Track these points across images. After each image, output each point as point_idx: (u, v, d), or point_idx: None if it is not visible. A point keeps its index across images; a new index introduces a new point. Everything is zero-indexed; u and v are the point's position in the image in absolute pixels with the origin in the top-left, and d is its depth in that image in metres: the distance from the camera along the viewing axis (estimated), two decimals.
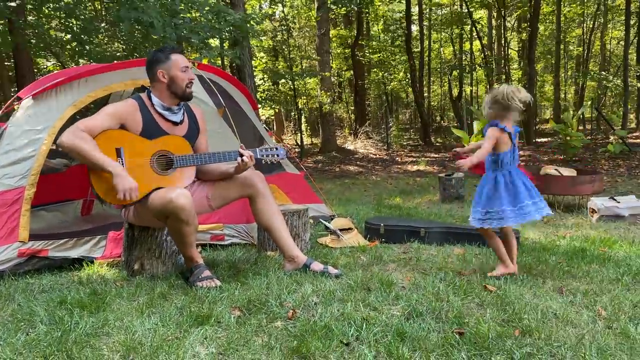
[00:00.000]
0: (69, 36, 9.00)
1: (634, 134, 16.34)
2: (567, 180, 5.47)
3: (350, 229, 4.02)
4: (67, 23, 9.26)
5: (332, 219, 4.45)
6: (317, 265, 3.04)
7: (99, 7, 11.72)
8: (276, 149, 3.12)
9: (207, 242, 3.72)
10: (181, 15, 7.46)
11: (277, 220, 3.09)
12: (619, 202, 4.95)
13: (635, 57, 17.35)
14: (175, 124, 2.95)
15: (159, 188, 2.79)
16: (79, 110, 3.59)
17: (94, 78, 3.68)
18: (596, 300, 2.51)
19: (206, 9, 7.77)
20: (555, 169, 5.78)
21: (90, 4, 10.51)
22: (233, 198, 3.11)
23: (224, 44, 13.29)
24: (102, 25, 9.95)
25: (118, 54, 10.45)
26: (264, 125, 5.14)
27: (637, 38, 17.12)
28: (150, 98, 2.92)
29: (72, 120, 3.38)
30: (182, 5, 7.42)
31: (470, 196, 6.76)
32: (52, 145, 3.41)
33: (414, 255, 3.51)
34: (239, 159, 2.93)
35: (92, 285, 2.78)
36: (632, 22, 18.19)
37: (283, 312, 2.39)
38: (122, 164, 2.75)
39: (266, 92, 15.83)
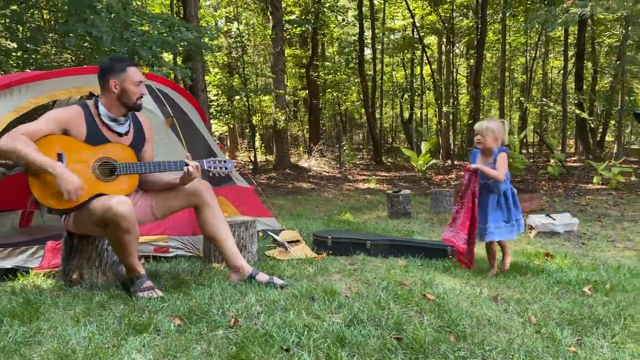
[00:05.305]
0: (14, 44, 8.69)
1: (573, 158, 17.24)
2: None
3: (298, 241, 4.05)
4: (13, 30, 8.94)
5: (277, 233, 4.46)
6: (262, 276, 3.04)
7: (47, 16, 11.39)
8: (224, 161, 3.12)
9: (150, 253, 3.65)
10: (132, 28, 7.36)
11: (222, 231, 3.07)
12: (554, 220, 5.20)
13: (573, 86, 18.40)
14: (120, 135, 2.91)
15: (100, 195, 2.73)
16: (20, 116, 3.49)
17: (35, 85, 3.59)
18: (528, 308, 2.63)
19: (159, 22, 7.70)
20: None
21: (38, 12, 10.20)
22: (178, 207, 3.08)
23: (177, 59, 13.18)
24: (50, 35, 9.68)
25: (66, 64, 10.16)
26: (215, 139, 5.13)
27: (574, 68, 18.18)
28: (97, 106, 2.87)
29: (12, 126, 3.28)
30: (134, 18, 7.32)
31: (417, 212, 6.94)
32: None
33: (359, 266, 3.57)
34: (185, 168, 2.91)
35: (26, 295, 2.68)
36: (570, 53, 19.36)
37: (225, 321, 2.38)
38: None
39: (220, 107, 15.74)
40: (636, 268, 3.63)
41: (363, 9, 16.89)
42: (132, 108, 2.88)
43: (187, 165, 2.90)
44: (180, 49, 8.42)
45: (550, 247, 4.53)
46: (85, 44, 8.95)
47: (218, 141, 5.28)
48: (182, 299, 2.68)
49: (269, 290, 2.86)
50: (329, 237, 4.06)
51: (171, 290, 2.89)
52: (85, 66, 4.82)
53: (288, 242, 3.95)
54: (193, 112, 4.79)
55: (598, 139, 21.02)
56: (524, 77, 24.63)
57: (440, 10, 18.27)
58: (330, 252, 4.00)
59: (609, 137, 23.99)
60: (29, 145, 2.58)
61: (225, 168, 3.10)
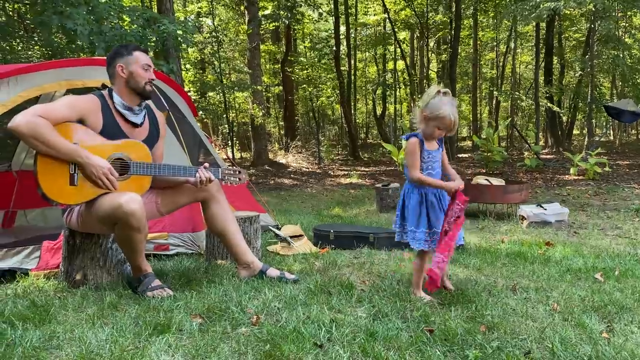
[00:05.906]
0: None
1: (544, 151, 17.63)
2: (499, 189, 5.75)
3: (300, 235, 3.97)
4: None
5: (278, 228, 4.37)
6: (273, 271, 2.97)
7: (14, 6, 10.84)
8: (238, 172, 3.04)
9: (150, 252, 3.51)
10: (110, 20, 7.10)
11: (231, 226, 2.98)
12: (545, 210, 5.27)
13: (543, 79, 18.79)
14: (135, 125, 2.77)
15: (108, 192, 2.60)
16: (8, 110, 3.29)
17: (24, 77, 3.40)
18: (548, 296, 2.63)
19: (137, 14, 7.46)
20: (486, 179, 6.07)
21: (8, 4, 9.73)
22: (184, 202, 2.97)
23: (153, 52, 12.83)
24: (17, 31, 9.27)
25: (33, 61, 9.74)
26: (205, 134, 5.00)
27: (544, 62, 18.57)
28: (111, 96, 2.73)
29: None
30: (112, 11, 7.06)
31: None
32: None
33: (366, 259, 3.53)
34: (197, 175, 2.81)
35: (31, 298, 2.53)
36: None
37: (246, 318, 2.30)
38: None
39: (197, 104, 15.46)
40: (637, 254, 3.69)
41: (337, 3, 16.82)
42: (141, 94, 2.75)
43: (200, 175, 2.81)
44: (152, 44, 8.12)
45: (545, 237, 4.57)
46: (56, 39, 8.61)
47: (206, 135, 5.14)
48: (195, 297, 2.58)
49: (282, 285, 2.79)
50: (331, 231, 4.00)
51: (181, 288, 2.78)
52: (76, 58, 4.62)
53: (290, 237, 3.87)
54: (184, 106, 4.65)
55: (566, 131, 21.55)
56: (493, 72, 25.00)
57: (414, 4, 18.36)
58: (333, 246, 3.94)
59: (575, 130, 24.61)
60: (53, 131, 2.43)
61: (239, 179, 3.01)
